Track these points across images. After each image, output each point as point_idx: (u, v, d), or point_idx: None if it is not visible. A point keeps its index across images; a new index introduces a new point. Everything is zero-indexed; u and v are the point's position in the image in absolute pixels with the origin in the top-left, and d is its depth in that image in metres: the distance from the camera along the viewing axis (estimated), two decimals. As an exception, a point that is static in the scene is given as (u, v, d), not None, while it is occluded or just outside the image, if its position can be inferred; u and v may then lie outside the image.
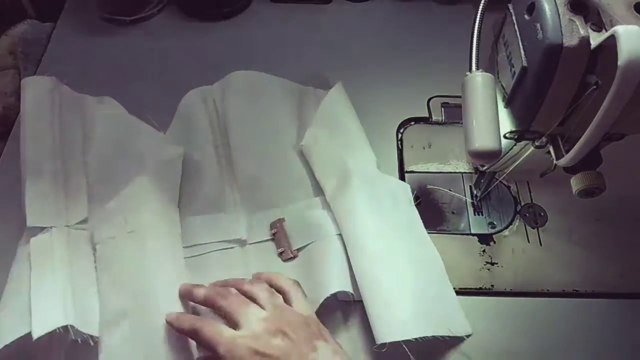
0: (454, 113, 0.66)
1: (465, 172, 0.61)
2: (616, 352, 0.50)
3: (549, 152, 0.45)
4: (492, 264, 0.54)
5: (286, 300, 0.47)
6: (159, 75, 0.71)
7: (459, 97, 0.41)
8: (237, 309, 0.44)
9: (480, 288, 0.53)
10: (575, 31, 0.36)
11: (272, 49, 0.75)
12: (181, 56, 0.73)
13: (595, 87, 0.38)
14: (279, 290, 0.48)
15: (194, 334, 0.44)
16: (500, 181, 0.59)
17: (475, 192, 0.59)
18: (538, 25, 0.37)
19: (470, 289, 0.53)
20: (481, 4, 0.41)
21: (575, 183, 0.43)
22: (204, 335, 0.43)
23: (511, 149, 0.48)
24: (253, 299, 0.46)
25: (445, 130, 0.65)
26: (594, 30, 0.36)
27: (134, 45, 0.74)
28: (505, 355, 0.49)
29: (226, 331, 0.43)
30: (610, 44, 0.34)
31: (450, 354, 0.49)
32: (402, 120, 0.66)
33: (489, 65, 0.47)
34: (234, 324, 0.44)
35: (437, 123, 0.66)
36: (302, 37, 0.76)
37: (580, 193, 0.43)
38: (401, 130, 0.66)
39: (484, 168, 0.55)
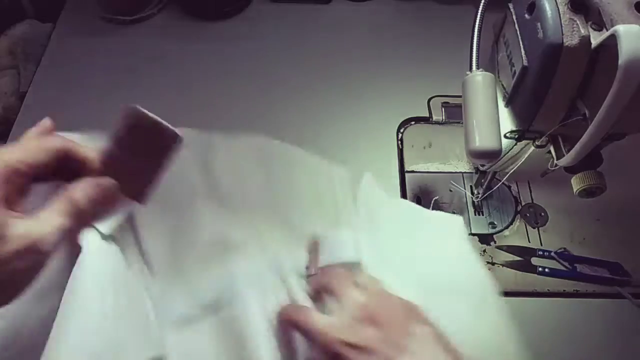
0: (455, 113, 0.66)
1: (465, 172, 0.61)
2: (616, 352, 0.50)
3: (549, 151, 0.45)
4: (493, 264, 0.54)
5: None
6: (159, 74, 0.71)
7: (460, 96, 0.41)
8: (339, 289, 0.43)
9: (481, 288, 0.53)
10: (575, 30, 0.36)
11: (272, 49, 0.75)
12: (181, 55, 0.73)
13: (582, 117, 0.38)
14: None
15: (294, 325, 0.43)
16: (501, 181, 0.59)
17: (476, 191, 0.59)
18: (538, 24, 0.37)
19: (471, 289, 0.53)
20: (481, 4, 0.41)
21: (576, 183, 0.43)
22: (301, 327, 0.42)
23: (511, 148, 0.48)
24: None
25: (446, 130, 0.65)
26: (595, 30, 0.36)
27: (133, 45, 0.74)
28: (505, 355, 0.49)
29: (320, 321, 0.41)
30: (611, 44, 0.34)
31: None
32: (402, 120, 0.66)
33: (490, 64, 0.47)
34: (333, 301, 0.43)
35: (438, 123, 0.66)
36: (301, 37, 0.76)
37: (581, 193, 0.43)
38: (401, 130, 0.66)
39: (484, 168, 0.54)
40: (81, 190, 0.36)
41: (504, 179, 0.55)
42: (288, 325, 0.43)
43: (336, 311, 0.41)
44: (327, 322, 0.41)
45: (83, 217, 0.36)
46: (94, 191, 0.37)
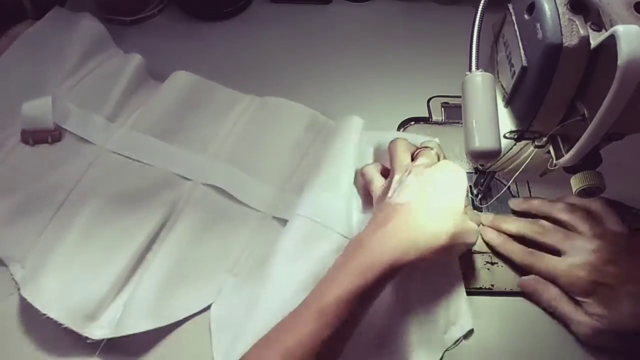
0: (454, 113, 0.66)
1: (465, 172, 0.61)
2: (616, 351, 0.50)
3: (548, 151, 0.45)
4: (492, 263, 0.54)
5: (600, 223, 0.51)
6: (160, 76, 0.71)
7: (459, 97, 0.41)
8: (561, 243, 0.49)
9: (480, 288, 0.53)
10: (575, 31, 0.36)
11: (272, 49, 0.75)
12: (181, 56, 0.73)
13: (581, 118, 0.39)
14: (592, 214, 0.52)
15: (528, 268, 0.51)
16: (500, 181, 0.59)
17: (475, 191, 0.59)
18: (538, 25, 0.37)
19: (470, 288, 0.53)
20: (481, 4, 0.41)
21: (575, 183, 0.43)
22: (540, 269, 0.50)
23: (511, 148, 0.48)
24: (573, 228, 0.50)
25: (445, 130, 0.65)
26: (594, 30, 0.36)
27: (134, 46, 0.74)
28: (505, 355, 0.49)
29: (559, 263, 0.48)
30: (610, 44, 0.34)
31: (448, 352, 0.50)
32: (402, 120, 0.66)
33: (489, 65, 0.47)
34: (557, 254, 0.49)
35: (437, 123, 0.66)
36: (302, 38, 0.77)
37: (580, 193, 0.43)
38: (401, 130, 0.66)
39: (484, 168, 0.55)
40: None
41: (509, 184, 0.55)
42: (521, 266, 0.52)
43: (570, 255, 0.48)
44: (570, 263, 0.48)
45: None
46: None
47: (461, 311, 0.51)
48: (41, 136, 0.62)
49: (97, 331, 0.48)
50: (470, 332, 0.50)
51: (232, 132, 0.64)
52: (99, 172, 0.60)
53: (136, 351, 0.49)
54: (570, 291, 0.48)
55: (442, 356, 0.49)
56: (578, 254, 0.48)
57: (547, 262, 0.49)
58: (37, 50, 0.70)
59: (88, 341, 0.48)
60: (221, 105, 0.67)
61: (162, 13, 0.80)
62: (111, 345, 0.48)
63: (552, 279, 0.49)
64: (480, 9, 0.41)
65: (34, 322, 0.49)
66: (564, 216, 0.52)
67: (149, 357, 0.49)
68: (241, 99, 0.67)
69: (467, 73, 0.40)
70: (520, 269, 0.53)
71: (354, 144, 0.59)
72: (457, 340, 0.49)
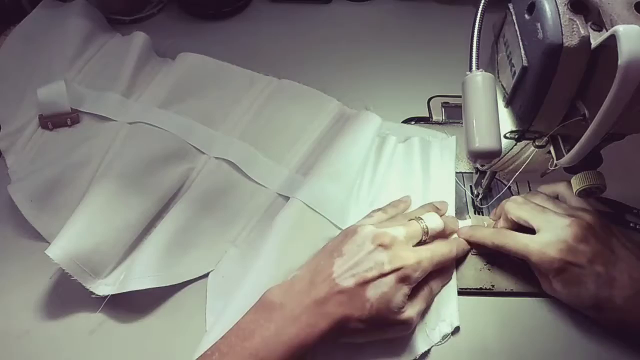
0: (455, 113, 0.66)
1: (465, 172, 0.61)
2: (616, 351, 0.50)
3: (549, 152, 0.45)
4: (493, 264, 0.54)
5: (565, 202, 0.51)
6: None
7: (459, 97, 0.41)
8: (536, 214, 0.49)
9: (481, 288, 0.53)
10: (575, 31, 0.36)
11: (272, 49, 0.75)
12: (181, 56, 0.73)
13: (582, 117, 0.39)
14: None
15: (497, 249, 0.50)
16: (501, 181, 0.59)
17: (475, 191, 0.59)
18: (538, 24, 0.37)
19: (471, 289, 0.53)
20: (481, 4, 0.41)
21: (576, 183, 0.43)
22: (510, 249, 0.49)
23: (511, 149, 0.48)
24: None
25: (446, 130, 0.65)
26: (594, 30, 0.36)
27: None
28: (505, 355, 0.49)
29: (532, 242, 0.48)
30: (611, 44, 0.34)
31: (447, 352, 0.49)
32: (402, 120, 0.66)
33: (489, 65, 0.47)
34: (531, 230, 0.49)
35: (438, 123, 0.66)
36: (301, 37, 0.77)
37: (581, 193, 0.43)
38: (402, 130, 0.66)
39: (484, 168, 0.55)
40: None
41: (510, 183, 0.55)
42: (490, 249, 0.51)
43: (547, 231, 0.48)
44: (541, 241, 0.47)
45: None
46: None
47: (450, 308, 0.51)
48: (60, 119, 0.63)
49: (102, 288, 0.50)
50: (457, 329, 0.50)
51: (249, 110, 0.66)
52: (122, 143, 0.61)
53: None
54: (541, 269, 0.48)
55: (429, 350, 0.49)
56: (552, 230, 0.48)
57: (519, 240, 0.49)
58: (37, 38, 0.71)
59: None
60: (239, 83, 0.68)
61: (161, 12, 0.80)
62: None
63: (524, 258, 0.49)
64: (480, 9, 0.41)
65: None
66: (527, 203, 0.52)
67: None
68: (259, 79, 0.69)
69: (468, 73, 0.40)
70: (521, 270, 0.53)
71: (366, 140, 0.60)
72: (446, 337, 0.50)
